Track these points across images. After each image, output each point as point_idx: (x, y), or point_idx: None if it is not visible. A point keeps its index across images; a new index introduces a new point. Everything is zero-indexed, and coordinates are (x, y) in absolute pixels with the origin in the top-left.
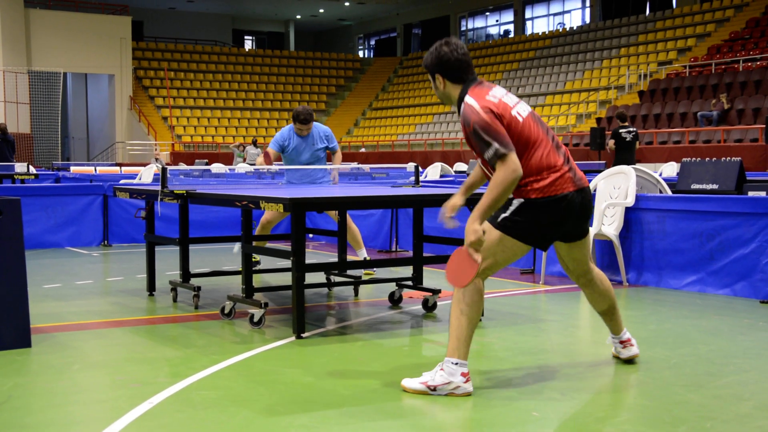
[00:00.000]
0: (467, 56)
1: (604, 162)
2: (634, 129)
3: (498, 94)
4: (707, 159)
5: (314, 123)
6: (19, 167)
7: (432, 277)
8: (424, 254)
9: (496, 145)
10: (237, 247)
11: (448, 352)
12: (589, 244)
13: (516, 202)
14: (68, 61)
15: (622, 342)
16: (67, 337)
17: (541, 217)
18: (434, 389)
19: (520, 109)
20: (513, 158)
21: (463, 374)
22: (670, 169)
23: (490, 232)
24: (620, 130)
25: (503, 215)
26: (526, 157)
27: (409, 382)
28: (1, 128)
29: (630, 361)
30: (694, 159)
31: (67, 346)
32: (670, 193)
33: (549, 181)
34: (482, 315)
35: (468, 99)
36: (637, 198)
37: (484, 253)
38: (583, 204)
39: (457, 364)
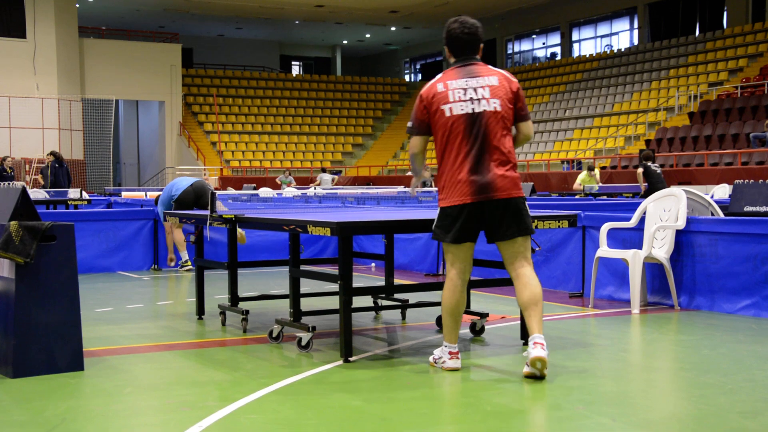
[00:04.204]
0: (466, 35)
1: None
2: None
3: (450, 86)
4: (761, 181)
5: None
6: (73, 193)
7: (479, 300)
8: (471, 278)
9: (410, 123)
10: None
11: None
12: (515, 246)
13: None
14: (120, 89)
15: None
16: (118, 360)
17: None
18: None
19: (457, 106)
20: (413, 141)
21: (450, 353)
22: (722, 191)
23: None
24: (649, 163)
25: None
26: (446, 156)
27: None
28: (57, 156)
29: (534, 364)
30: (747, 181)
31: (119, 369)
32: (722, 215)
33: (450, 190)
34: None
35: (436, 77)
36: (689, 221)
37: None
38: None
39: (446, 346)
